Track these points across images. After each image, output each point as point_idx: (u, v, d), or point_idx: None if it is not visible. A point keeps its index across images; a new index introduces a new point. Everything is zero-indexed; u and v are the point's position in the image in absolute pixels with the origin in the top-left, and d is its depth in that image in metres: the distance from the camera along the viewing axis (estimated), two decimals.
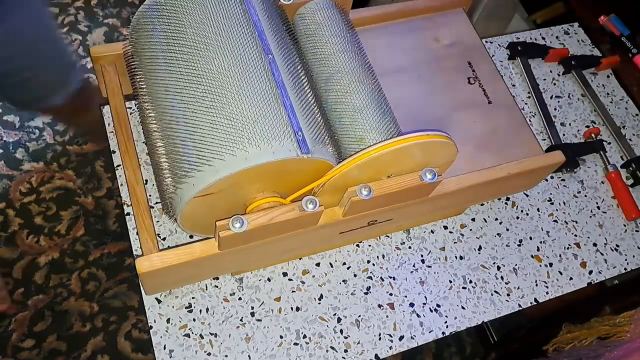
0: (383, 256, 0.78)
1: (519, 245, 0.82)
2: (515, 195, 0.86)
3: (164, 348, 0.69)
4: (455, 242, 0.81)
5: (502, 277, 0.79)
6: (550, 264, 0.82)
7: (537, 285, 0.80)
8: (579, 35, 1.06)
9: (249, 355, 0.70)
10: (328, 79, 0.66)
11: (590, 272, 0.82)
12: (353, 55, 0.67)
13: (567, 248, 0.84)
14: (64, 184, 1.51)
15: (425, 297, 0.76)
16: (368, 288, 0.76)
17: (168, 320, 0.70)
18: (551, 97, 0.97)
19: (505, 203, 0.85)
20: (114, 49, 0.66)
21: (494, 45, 1.00)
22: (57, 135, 1.58)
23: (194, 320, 0.71)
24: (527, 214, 0.85)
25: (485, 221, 0.83)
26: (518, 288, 0.79)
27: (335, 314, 0.74)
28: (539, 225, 0.85)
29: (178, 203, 0.56)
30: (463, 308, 0.77)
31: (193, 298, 0.72)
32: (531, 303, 0.78)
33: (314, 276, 0.75)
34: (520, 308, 0.78)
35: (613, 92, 1.01)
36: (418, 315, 0.75)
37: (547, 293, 0.80)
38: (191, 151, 0.54)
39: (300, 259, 0.76)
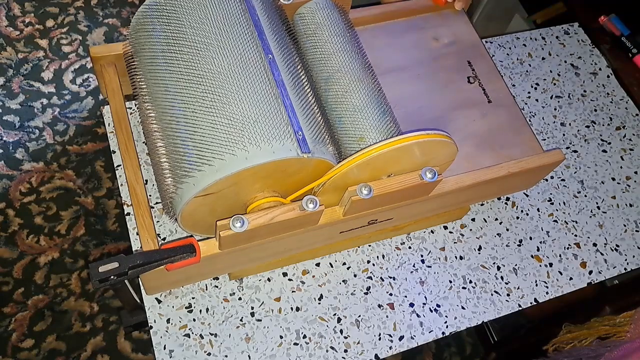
0: (383, 256, 0.78)
1: (519, 245, 0.82)
2: (515, 195, 0.86)
3: (164, 348, 0.68)
4: (455, 242, 0.81)
5: (502, 277, 0.79)
6: (550, 264, 0.82)
7: (537, 285, 0.80)
8: (579, 35, 1.06)
9: (248, 355, 0.70)
10: (328, 78, 0.66)
11: (590, 272, 0.82)
12: (353, 55, 0.67)
13: (567, 248, 0.84)
14: (64, 184, 1.51)
15: (425, 297, 0.76)
16: (368, 288, 0.76)
17: (168, 320, 0.70)
18: (551, 97, 0.97)
19: (505, 203, 0.85)
20: (114, 49, 0.66)
21: (494, 45, 1.00)
22: (57, 135, 1.58)
23: (194, 320, 0.71)
24: (527, 214, 0.85)
25: (485, 221, 0.83)
26: (518, 288, 0.79)
27: (335, 314, 0.74)
28: (539, 225, 0.85)
29: (178, 203, 0.56)
30: (463, 308, 0.77)
31: (193, 298, 0.72)
32: (531, 303, 0.78)
33: (313, 276, 0.75)
34: (520, 308, 0.78)
35: (613, 92, 1.01)
36: (418, 315, 0.75)
37: (547, 293, 0.80)
38: (191, 151, 0.54)
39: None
